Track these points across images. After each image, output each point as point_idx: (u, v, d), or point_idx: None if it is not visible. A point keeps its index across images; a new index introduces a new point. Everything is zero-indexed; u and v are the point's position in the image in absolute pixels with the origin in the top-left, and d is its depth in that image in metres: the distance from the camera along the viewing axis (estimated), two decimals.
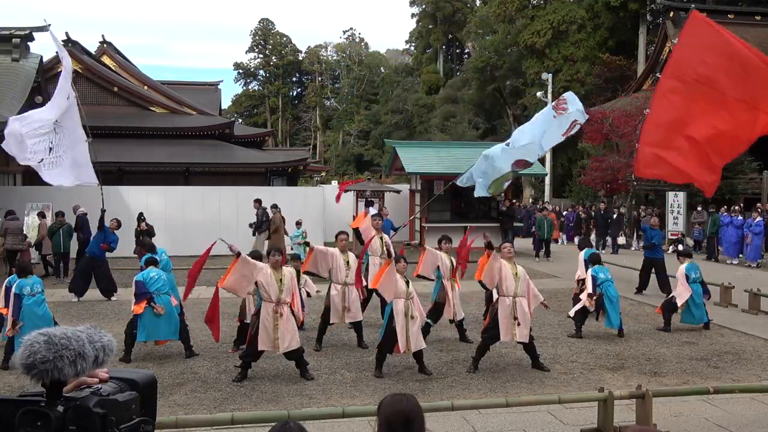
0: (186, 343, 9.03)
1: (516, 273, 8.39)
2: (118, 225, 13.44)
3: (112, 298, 13.06)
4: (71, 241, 15.46)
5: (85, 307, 12.44)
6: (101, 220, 12.90)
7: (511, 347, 9.35)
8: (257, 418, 5.83)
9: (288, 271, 8.05)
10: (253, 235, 18.22)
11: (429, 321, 9.67)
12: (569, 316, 10.63)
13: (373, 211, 19.13)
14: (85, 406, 1.33)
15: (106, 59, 32.62)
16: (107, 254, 13.34)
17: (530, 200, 37.70)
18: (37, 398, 1.35)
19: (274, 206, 18.30)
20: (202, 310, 11.70)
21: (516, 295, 8.30)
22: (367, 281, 10.57)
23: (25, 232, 16.05)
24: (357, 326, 9.65)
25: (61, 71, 10.43)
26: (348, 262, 9.48)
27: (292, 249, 17.75)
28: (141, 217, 17.48)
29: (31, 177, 22.82)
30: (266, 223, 18.11)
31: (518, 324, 8.21)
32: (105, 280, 13.22)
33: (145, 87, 32.46)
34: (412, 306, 8.07)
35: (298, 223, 18.21)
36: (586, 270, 10.71)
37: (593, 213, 24.88)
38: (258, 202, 18.37)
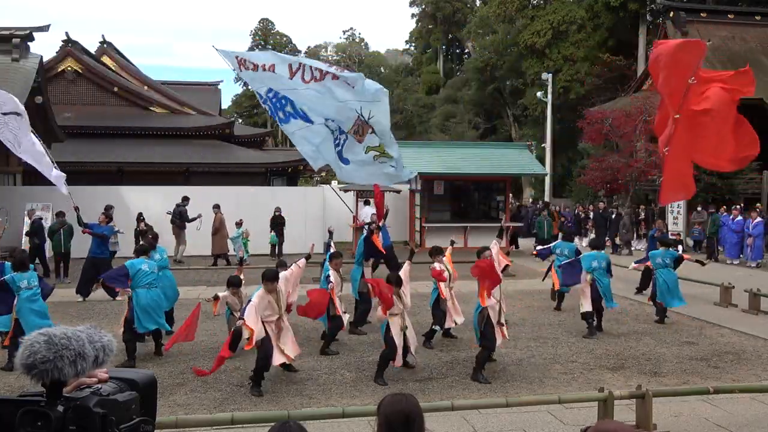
0: (157, 340, 9.11)
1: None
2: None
3: (117, 298, 13.04)
4: (72, 241, 15.42)
5: (85, 307, 12.44)
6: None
7: (510, 347, 9.35)
8: (257, 418, 5.82)
9: (279, 288, 7.84)
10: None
11: (435, 327, 9.66)
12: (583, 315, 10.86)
13: (370, 211, 19.14)
14: (85, 406, 1.33)
15: (106, 59, 32.62)
16: (111, 253, 13.43)
17: (530, 200, 37.68)
18: (37, 398, 1.35)
19: (216, 206, 18.39)
20: (201, 309, 11.71)
21: (499, 299, 8.33)
22: (367, 288, 10.58)
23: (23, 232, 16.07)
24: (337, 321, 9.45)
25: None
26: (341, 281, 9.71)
27: (234, 251, 18.12)
28: (140, 217, 17.51)
29: (31, 177, 22.84)
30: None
31: (501, 326, 8.33)
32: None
33: (145, 87, 32.45)
34: (405, 319, 8.11)
35: (238, 224, 18.32)
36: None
37: (591, 213, 24.88)
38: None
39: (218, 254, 18.21)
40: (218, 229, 18.31)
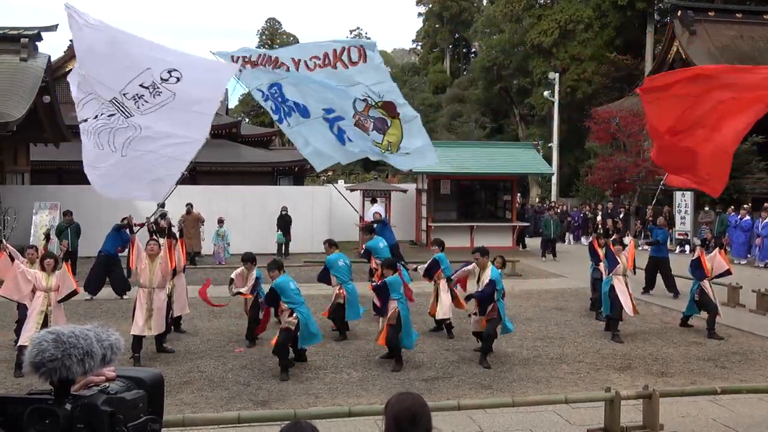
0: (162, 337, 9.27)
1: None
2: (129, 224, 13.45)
3: (125, 297, 13.09)
4: (79, 239, 15.47)
5: (93, 305, 12.47)
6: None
7: (517, 347, 9.35)
8: (264, 417, 5.84)
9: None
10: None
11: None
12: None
13: (377, 207, 19.16)
14: (92, 404, 1.33)
15: None
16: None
17: (537, 200, 37.58)
18: (45, 396, 1.36)
19: (189, 205, 18.43)
20: (207, 308, 11.75)
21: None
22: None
23: (31, 231, 16.11)
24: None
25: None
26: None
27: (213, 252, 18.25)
28: (163, 213, 17.62)
29: (39, 176, 22.93)
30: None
31: None
32: (118, 280, 13.27)
33: None
34: None
35: (220, 221, 18.48)
36: None
37: (599, 211, 24.80)
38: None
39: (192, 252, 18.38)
40: (182, 229, 18.44)
